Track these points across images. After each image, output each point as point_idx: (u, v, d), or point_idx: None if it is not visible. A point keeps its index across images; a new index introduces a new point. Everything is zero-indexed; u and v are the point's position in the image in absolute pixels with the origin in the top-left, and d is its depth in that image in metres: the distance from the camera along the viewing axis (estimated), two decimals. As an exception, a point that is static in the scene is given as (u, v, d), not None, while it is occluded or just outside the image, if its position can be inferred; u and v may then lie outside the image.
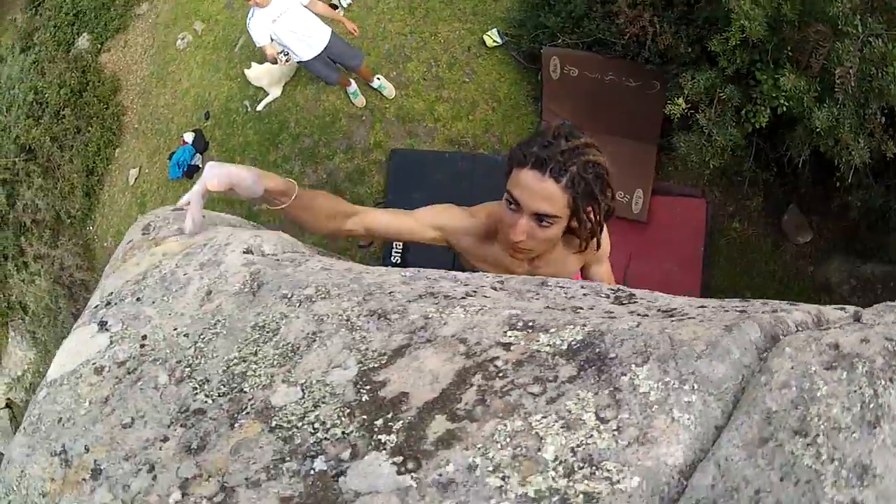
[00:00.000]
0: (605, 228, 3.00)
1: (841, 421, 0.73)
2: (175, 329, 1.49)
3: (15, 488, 1.30)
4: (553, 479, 0.75)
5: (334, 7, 9.59)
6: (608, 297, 1.30)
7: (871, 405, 0.75)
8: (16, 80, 12.62)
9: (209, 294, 1.55)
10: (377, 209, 2.77)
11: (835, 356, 0.85)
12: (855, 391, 0.78)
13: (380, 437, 0.92)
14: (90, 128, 11.67)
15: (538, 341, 1.02)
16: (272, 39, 7.72)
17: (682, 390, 0.84)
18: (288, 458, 1.00)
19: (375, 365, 1.09)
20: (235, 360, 1.34)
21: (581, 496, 0.72)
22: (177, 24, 11.77)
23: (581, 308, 1.18)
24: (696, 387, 0.85)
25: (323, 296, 1.37)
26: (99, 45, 12.61)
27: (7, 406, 13.47)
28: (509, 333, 1.07)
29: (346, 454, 0.93)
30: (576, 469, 0.76)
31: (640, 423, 0.80)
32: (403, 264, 8.01)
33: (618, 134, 7.93)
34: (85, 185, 11.64)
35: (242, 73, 10.00)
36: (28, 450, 1.37)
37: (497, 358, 1.00)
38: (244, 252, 1.65)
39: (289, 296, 1.42)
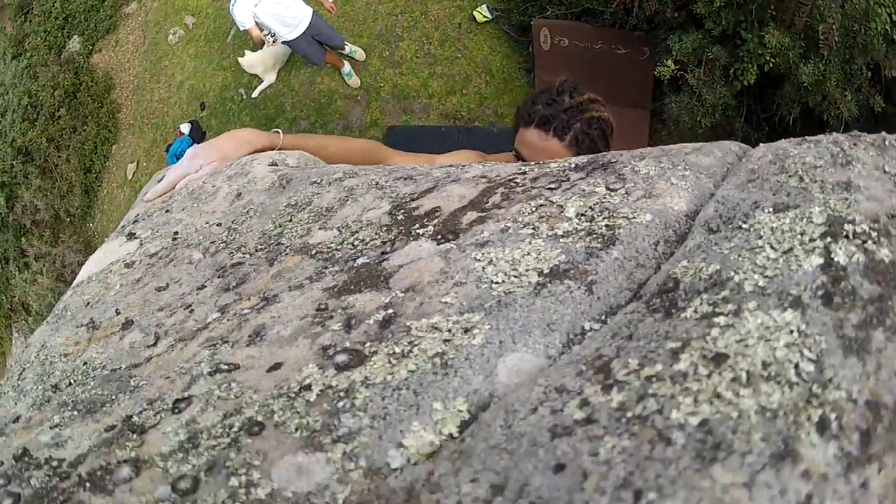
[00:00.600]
0: None
1: (815, 162, 0.86)
2: (207, 222, 1.58)
3: (33, 359, 1.32)
4: (577, 224, 0.88)
5: (323, -8, 9.80)
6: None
7: (841, 156, 0.87)
8: (9, 85, 12.76)
9: (239, 195, 1.63)
10: (402, 156, 2.76)
11: (802, 140, 0.99)
12: (824, 150, 0.91)
13: (418, 231, 1.04)
14: (86, 126, 11.78)
15: (550, 166, 1.16)
16: (256, 22, 7.89)
17: (676, 170, 0.97)
18: (328, 267, 1.10)
19: (406, 200, 1.22)
20: (271, 229, 1.40)
21: (604, 228, 0.85)
22: (167, 21, 11.87)
23: (586, 155, 1.32)
24: (688, 169, 0.98)
25: (351, 175, 1.47)
26: (90, 47, 12.72)
27: None
28: (524, 167, 1.21)
29: (387, 248, 1.05)
30: (595, 217, 0.88)
31: (644, 187, 0.93)
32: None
33: (610, 101, 7.89)
34: (83, 182, 11.75)
35: (236, 61, 10.07)
36: (50, 331, 1.41)
37: (515, 178, 1.13)
38: (270, 164, 1.74)
39: (318, 181, 1.50)
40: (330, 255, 1.14)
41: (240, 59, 9.64)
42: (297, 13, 8.09)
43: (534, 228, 0.90)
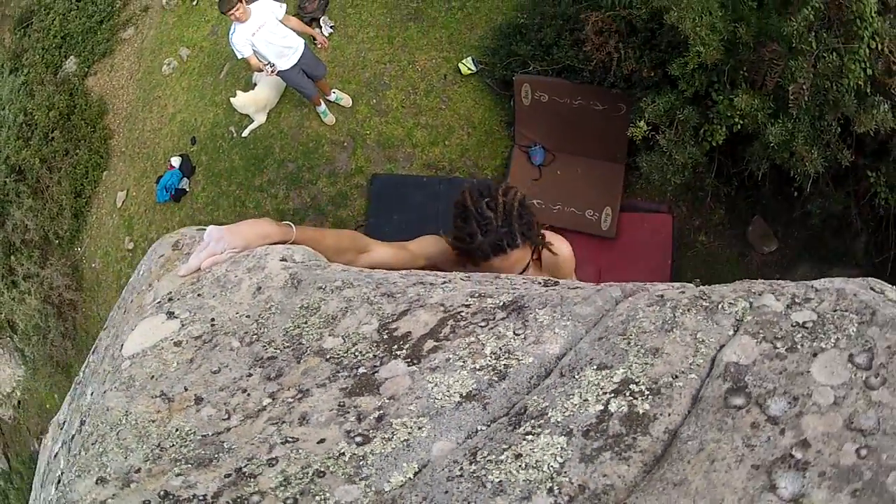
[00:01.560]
0: (563, 241, 3.42)
1: (647, 327, 1.46)
2: (237, 313, 2.10)
3: (122, 422, 1.81)
4: (489, 360, 1.48)
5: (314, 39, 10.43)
6: (539, 283, 2.01)
7: (669, 322, 1.47)
8: (6, 101, 13.09)
9: (259, 289, 2.16)
10: (381, 244, 3.06)
11: (657, 299, 1.60)
12: (660, 316, 1.50)
13: (397, 352, 1.64)
14: (78, 150, 12.22)
15: (486, 301, 1.77)
16: (254, 51, 8.60)
17: (562, 320, 1.57)
18: (340, 371, 1.70)
19: (389, 320, 1.82)
20: (291, 327, 1.97)
21: (502, 366, 1.45)
22: (162, 50, 12.35)
23: (517, 287, 1.91)
24: (569, 319, 1.59)
25: (348, 286, 2.06)
26: (86, 69, 13.15)
27: None
28: (469, 300, 1.82)
29: (377, 363, 1.66)
30: (500, 356, 1.47)
31: (537, 335, 1.53)
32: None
33: (587, 155, 8.75)
34: (73, 206, 12.14)
35: (228, 100, 10.55)
36: (126, 399, 1.89)
37: (462, 311, 1.74)
38: (281, 260, 2.31)
39: (323, 287, 2.07)
40: (339, 360, 1.73)
41: (232, 100, 10.14)
42: (292, 44, 8.83)
43: (463, 362, 1.51)
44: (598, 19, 7.99)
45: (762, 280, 1.68)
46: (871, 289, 1.59)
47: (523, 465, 1.23)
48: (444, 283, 1.98)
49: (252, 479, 1.43)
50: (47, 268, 12.11)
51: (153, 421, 1.79)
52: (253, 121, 10.58)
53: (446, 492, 1.24)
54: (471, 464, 1.28)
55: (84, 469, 1.74)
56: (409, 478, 1.33)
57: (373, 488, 1.33)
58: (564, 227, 8.36)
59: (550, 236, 3.40)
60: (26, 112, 12.72)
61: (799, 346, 1.40)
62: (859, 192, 7.01)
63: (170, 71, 12.03)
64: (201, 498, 1.42)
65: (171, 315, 2.17)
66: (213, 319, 2.11)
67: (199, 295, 2.21)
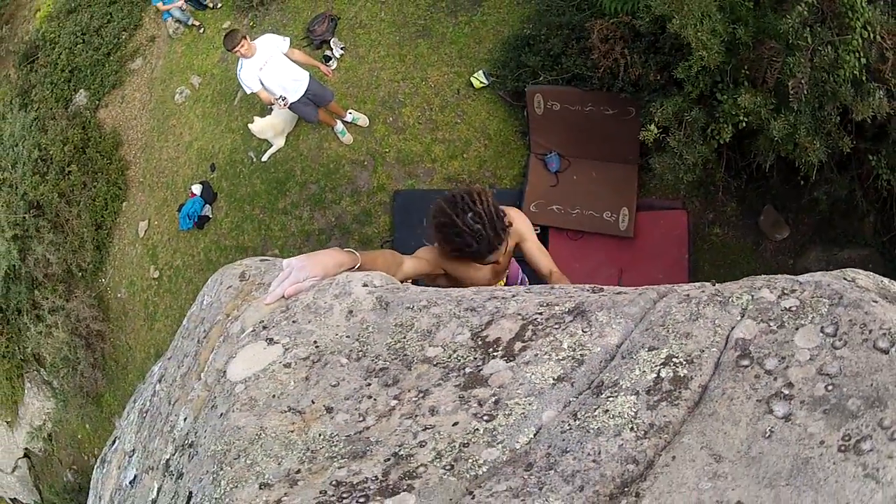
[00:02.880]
0: (510, 210, 4.15)
1: (679, 318, 2.05)
2: (337, 334, 2.52)
3: (261, 436, 2.18)
4: (567, 353, 2.09)
5: (327, 59, 10.95)
6: (589, 290, 2.57)
7: (694, 313, 2.05)
8: (18, 137, 13.51)
9: (351, 312, 2.60)
10: (407, 259, 3.69)
11: (685, 297, 2.21)
12: (686, 310, 2.10)
13: (493, 353, 2.21)
14: (96, 183, 12.69)
15: (554, 309, 2.36)
16: (262, 85, 9.08)
17: (616, 318, 2.15)
18: (450, 373, 2.24)
19: (478, 330, 2.38)
20: (392, 343, 2.41)
21: (579, 355, 2.05)
22: (172, 79, 12.85)
23: (573, 296, 2.48)
24: (621, 317, 2.18)
25: (433, 304, 2.55)
26: (97, 101, 13.65)
27: (25, 455, 14.37)
28: (541, 308, 2.40)
29: (479, 363, 2.21)
30: (576, 348, 2.02)
31: (599, 331, 2.12)
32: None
33: (601, 159, 9.23)
34: (95, 238, 12.65)
35: (244, 125, 11.02)
36: (255, 417, 2.26)
37: (536, 317, 2.33)
38: (363, 285, 2.74)
39: (411, 307, 2.53)
40: (446, 364, 2.24)
41: (250, 126, 10.59)
42: (298, 76, 9.34)
43: (549, 355, 2.07)
44: (602, 27, 8.39)
45: (763, 276, 2.26)
46: (844, 278, 2.16)
47: (611, 416, 1.80)
48: (514, 296, 2.46)
49: (411, 458, 1.90)
50: (73, 300, 12.52)
51: (292, 431, 2.19)
52: (272, 145, 11.02)
53: (563, 440, 1.83)
54: (575, 420, 1.84)
55: (239, 480, 2.07)
56: (532, 437, 1.85)
57: (508, 447, 1.85)
58: (584, 230, 8.96)
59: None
60: (40, 147, 13.11)
61: (786, 324, 1.98)
62: (863, 175, 7.31)
63: (182, 99, 12.50)
64: (373, 479, 1.88)
65: (270, 341, 2.54)
66: (315, 342, 2.51)
67: (293, 322, 2.60)
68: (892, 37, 6.29)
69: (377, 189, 10.28)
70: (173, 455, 2.51)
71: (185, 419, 2.57)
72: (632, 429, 1.80)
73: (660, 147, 7.83)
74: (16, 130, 13.66)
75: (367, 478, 1.93)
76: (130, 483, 2.76)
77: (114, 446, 3.22)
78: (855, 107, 6.30)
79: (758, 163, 7.54)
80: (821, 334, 1.96)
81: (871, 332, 1.93)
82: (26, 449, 14.37)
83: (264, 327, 2.62)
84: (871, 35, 6.16)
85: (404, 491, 1.85)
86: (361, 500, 1.86)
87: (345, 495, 1.89)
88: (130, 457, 2.94)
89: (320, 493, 1.93)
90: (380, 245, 9.79)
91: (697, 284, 2.34)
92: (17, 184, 13.13)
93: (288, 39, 9.32)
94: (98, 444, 12.65)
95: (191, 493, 2.21)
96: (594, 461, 1.75)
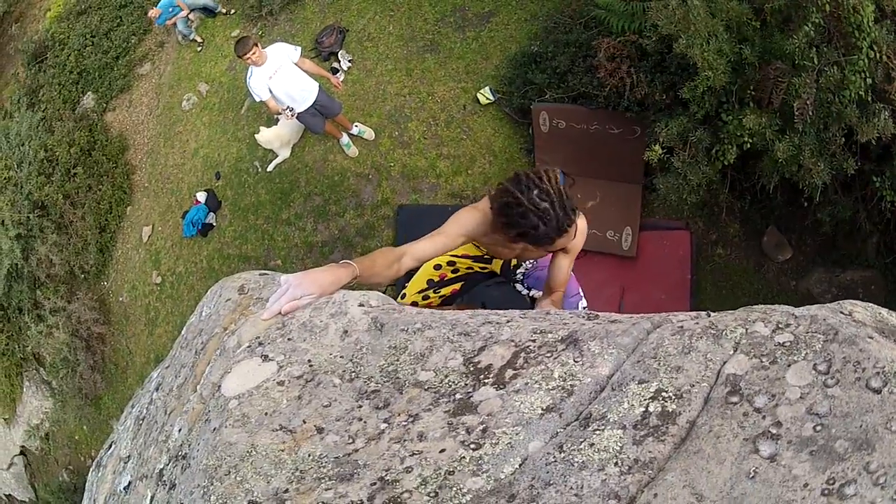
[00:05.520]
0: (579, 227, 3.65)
1: (671, 351, 2.07)
2: (331, 354, 2.55)
3: (252, 454, 2.22)
4: (557, 382, 2.09)
5: (335, 71, 10.98)
6: (584, 317, 2.60)
7: (686, 346, 2.07)
8: (25, 137, 13.57)
9: (346, 332, 2.63)
10: (417, 241, 3.48)
11: (678, 329, 2.21)
12: (679, 343, 2.12)
13: (484, 381, 2.23)
14: (101, 186, 12.77)
15: (547, 336, 2.37)
16: (271, 94, 9.08)
17: (608, 349, 2.17)
18: (440, 398, 2.26)
19: (471, 356, 2.39)
20: (385, 365, 2.44)
21: (569, 385, 2.06)
22: (180, 86, 12.92)
23: (568, 323, 2.50)
24: (614, 347, 2.18)
25: (428, 328, 2.58)
26: (104, 105, 13.75)
27: (22, 453, 14.46)
28: (534, 335, 2.41)
29: (470, 389, 2.23)
30: (566, 378, 2.06)
31: (591, 361, 2.14)
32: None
33: (605, 178, 9.13)
34: (98, 241, 12.73)
35: (251, 134, 11.08)
36: (247, 434, 2.30)
37: (529, 345, 2.34)
38: (359, 305, 2.78)
39: (406, 329, 2.56)
40: (437, 389, 2.27)
41: (256, 136, 10.64)
42: (307, 87, 9.35)
43: (539, 384, 2.09)
44: (609, 45, 8.46)
45: (759, 308, 2.28)
46: (841, 312, 2.19)
47: (596, 449, 1.82)
48: (509, 321, 2.50)
49: (397, 483, 1.94)
50: (74, 302, 12.63)
51: (282, 450, 2.24)
52: (277, 156, 11.07)
53: (547, 472, 1.83)
54: (560, 452, 1.86)
55: (228, 496, 2.14)
56: (517, 467, 1.88)
57: (493, 477, 1.87)
58: (587, 249, 8.82)
59: None
60: (47, 148, 13.20)
61: (779, 360, 2.00)
62: (867, 196, 7.28)
63: (190, 106, 12.57)
64: (358, 502, 1.95)
65: (265, 358, 2.58)
66: (309, 361, 2.55)
67: (289, 339, 2.64)
68: None
69: (381, 203, 10.32)
70: (167, 465, 2.54)
71: (179, 430, 2.61)
72: (616, 464, 1.81)
73: (664, 167, 7.84)
74: (22, 130, 13.73)
75: (352, 501, 1.97)
76: (125, 489, 2.79)
77: (110, 451, 3.27)
78: (860, 128, 6.29)
79: (762, 184, 7.56)
80: (813, 371, 1.97)
81: (864, 370, 1.93)
82: (23, 447, 14.47)
83: (260, 343, 2.65)
84: (878, 55, 6.15)
85: None
86: None
87: None
88: (126, 463, 2.98)
89: None
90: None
91: (693, 314, 2.36)
92: (22, 183, 13.21)
93: (299, 49, 9.33)
94: (95, 446, 12.72)
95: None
96: (576, 495, 1.77)
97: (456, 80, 10.56)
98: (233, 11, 13.28)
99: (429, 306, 4.59)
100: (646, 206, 9.26)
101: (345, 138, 10.50)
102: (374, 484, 2.00)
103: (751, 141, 6.88)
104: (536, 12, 10.54)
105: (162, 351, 11.30)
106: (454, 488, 1.90)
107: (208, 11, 13.38)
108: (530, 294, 4.67)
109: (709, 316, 2.30)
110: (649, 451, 1.85)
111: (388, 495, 1.93)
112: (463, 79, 10.53)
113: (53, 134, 13.40)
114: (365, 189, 10.45)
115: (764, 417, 1.89)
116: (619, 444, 1.86)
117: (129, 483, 2.78)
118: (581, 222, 3.68)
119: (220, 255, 11.42)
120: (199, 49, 13.18)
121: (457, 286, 4.74)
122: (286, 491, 2.09)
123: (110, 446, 3.31)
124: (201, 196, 11.74)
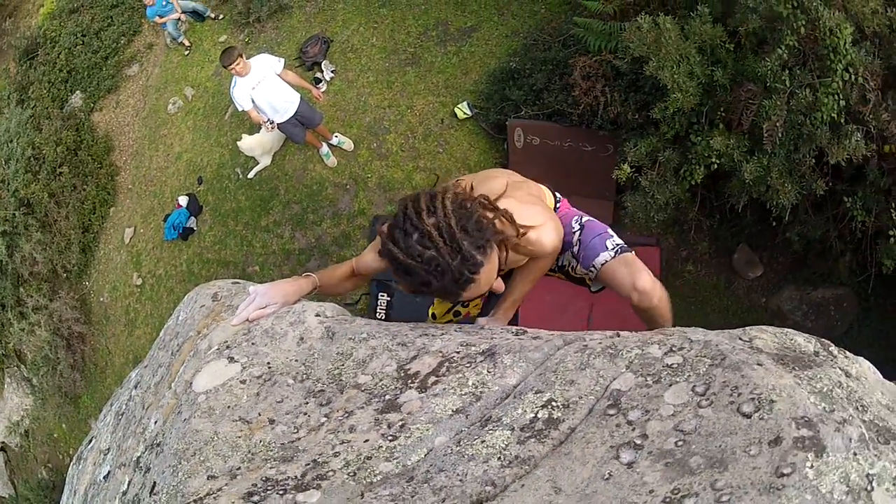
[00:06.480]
0: (543, 227, 3.09)
1: (569, 366, 2.43)
2: (287, 358, 2.94)
3: (214, 439, 2.61)
4: (471, 389, 2.46)
5: (318, 81, 11.38)
6: (512, 332, 2.94)
7: (584, 362, 2.43)
8: (13, 133, 13.90)
9: (302, 339, 3.03)
10: (363, 254, 3.46)
11: (582, 348, 2.59)
12: (578, 359, 2.48)
13: (411, 385, 2.57)
14: (86, 186, 13.10)
15: (471, 349, 2.73)
16: (254, 104, 9.43)
17: (518, 363, 2.53)
18: (373, 399, 2.61)
19: (404, 363, 2.76)
20: (332, 368, 2.85)
21: (479, 392, 2.42)
22: (167, 89, 13.26)
23: (495, 338, 2.85)
24: (524, 361, 2.55)
25: (372, 338, 2.96)
26: (91, 104, 14.10)
27: (2, 449, 14.78)
28: (459, 347, 2.77)
29: (398, 391, 2.59)
30: (478, 385, 2.42)
31: (502, 372, 2.49)
32: (386, 317, 9.59)
33: (577, 194, 8.87)
34: (81, 241, 13.04)
35: (233, 141, 11.41)
36: (212, 423, 2.69)
37: (454, 356, 2.71)
38: (316, 315, 3.19)
39: (353, 338, 2.97)
40: (371, 391, 2.66)
41: (239, 143, 10.99)
42: (289, 98, 9.69)
43: (454, 390, 2.46)
44: (585, 64, 8.68)
45: (660, 331, 2.60)
46: (740, 338, 2.43)
47: (486, 445, 2.18)
48: (443, 334, 2.90)
49: (325, 464, 2.31)
50: (56, 300, 12.95)
51: (239, 437, 2.62)
52: (258, 163, 11.41)
53: (443, 461, 2.19)
54: (457, 446, 2.22)
55: (192, 473, 2.51)
56: (423, 456, 2.23)
57: (401, 463, 2.24)
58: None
59: (539, 218, 3.15)
60: (34, 146, 13.50)
61: (662, 380, 2.28)
62: (838, 216, 7.36)
63: (175, 110, 12.92)
64: (293, 478, 2.30)
65: (231, 360, 2.96)
66: (269, 363, 2.94)
67: (252, 343, 3.03)
68: (875, 78, 6.38)
69: (358, 213, 10.60)
70: (144, 453, 2.89)
71: (155, 422, 2.97)
72: (499, 458, 2.17)
73: (633, 185, 7.99)
74: (11, 126, 14.04)
75: (289, 477, 2.36)
76: (104, 478, 3.12)
77: (90, 445, 3.62)
78: (830, 149, 6.36)
79: (731, 203, 7.66)
80: (690, 392, 2.20)
81: (739, 395, 2.09)
82: (3, 443, 14.77)
83: (227, 347, 3.04)
84: (853, 77, 6.24)
85: (313, 488, 2.27)
86: (280, 492, 2.28)
87: (269, 488, 2.32)
88: (105, 454, 3.33)
89: (252, 485, 2.36)
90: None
91: (610, 333, 2.67)
92: (9, 180, 13.50)
93: (283, 60, 9.66)
94: (74, 445, 12.98)
95: (154, 482, 2.62)
96: (460, 480, 2.13)
97: (435, 94, 10.87)
98: (221, 17, 13.64)
99: (466, 316, 4.11)
100: (617, 222, 9.41)
101: (324, 148, 10.83)
102: (308, 464, 2.38)
103: (718, 161, 7.02)
104: (518, 28, 10.85)
105: (140, 352, 11.56)
106: (369, 470, 2.27)
107: (197, 15, 13.72)
108: (584, 269, 3.60)
109: (618, 335, 2.64)
110: (529, 451, 2.18)
111: (317, 472, 2.31)
112: (442, 93, 10.84)
113: (41, 132, 13.72)
114: (342, 199, 10.76)
115: (633, 429, 2.15)
116: (505, 442, 2.21)
117: (109, 472, 3.11)
118: (546, 239, 3.15)
119: (199, 260, 11.72)
120: (186, 53, 13.54)
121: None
122: (238, 468, 2.47)
123: (90, 441, 3.65)
124: (183, 200, 12.06)
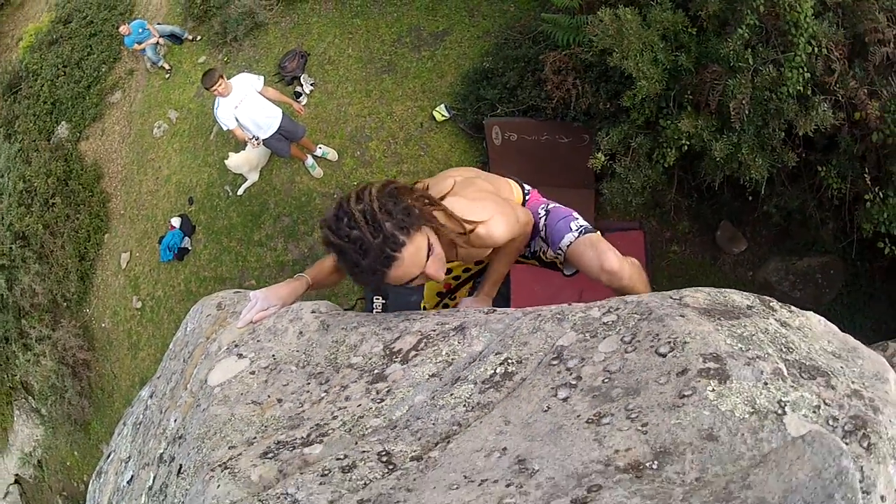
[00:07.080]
0: (490, 221, 3.35)
1: (525, 331, 2.96)
2: (290, 349, 3.37)
3: (231, 419, 3.03)
4: (445, 357, 3.00)
5: (298, 95, 11.78)
6: (484, 312, 3.37)
7: (537, 327, 3.00)
8: (4, 168, 14.30)
9: (301, 333, 3.48)
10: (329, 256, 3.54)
11: (536, 317, 3.13)
12: (533, 324, 3.03)
13: (395, 360, 3.09)
14: (79, 215, 13.43)
15: (445, 327, 3.25)
16: (238, 122, 9.85)
17: (483, 333, 3.04)
18: (364, 374, 3.10)
19: (389, 343, 3.25)
20: (328, 354, 3.28)
21: (452, 358, 2.96)
22: (151, 113, 13.63)
23: (468, 317, 3.34)
24: (488, 332, 3.05)
25: (361, 325, 3.43)
26: (78, 134, 14.45)
27: (16, 482, 15.04)
28: (436, 326, 3.28)
29: (384, 366, 3.08)
30: (450, 354, 2.94)
31: (469, 342, 3.00)
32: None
33: (558, 185, 9.39)
34: (78, 269, 13.38)
35: (220, 159, 11.74)
36: (228, 408, 3.11)
37: (430, 334, 3.23)
38: (311, 311, 3.64)
39: (345, 328, 3.42)
40: (362, 368, 3.16)
41: (226, 161, 11.36)
42: (271, 114, 10.11)
43: (430, 360, 2.96)
44: (555, 59, 9.05)
45: (605, 300, 3.13)
46: (671, 297, 2.82)
47: (453, 397, 2.62)
48: (422, 318, 3.40)
49: (326, 425, 2.77)
50: (59, 329, 13.26)
51: (253, 415, 3.06)
52: (247, 179, 11.77)
53: (419, 411, 2.68)
54: (433, 400, 2.72)
55: (215, 447, 2.92)
56: (405, 412, 2.71)
57: (388, 418, 2.69)
58: (548, 252, 9.55)
59: (496, 211, 3.44)
60: (25, 179, 13.86)
61: (598, 334, 2.72)
62: (815, 186, 7.56)
63: (160, 133, 13.31)
64: (300, 438, 2.74)
65: (240, 356, 3.42)
66: (273, 355, 3.40)
67: (258, 341, 3.50)
68: (840, 48, 6.59)
69: (346, 221, 10.92)
70: (166, 449, 3.26)
71: (175, 420, 3.36)
72: (464, 406, 2.64)
73: (609, 173, 8.32)
74: (1, 161, 14.45)
75: (296, 438, 2.82)
76: (128, 482, 3.50)
77: (109, 458, 3.98)
78: (798, 122, 6.57)
79: (707, 182, 7.94)
80: (619, 342, 2.61)
81: (659, 340, 2.43)
82: (17, 475, 15.04)
83: (236, 345, 3.50)
84: (817, 49, 6.45)
85: (316, 443, 2.74)
86: (290, 449, 2.75)
87: (280, 447, 2.78)
88: (126, 462, 3.71)
89: (266, 447, 2.81)
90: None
91: (566, 305, 3.08)
92: (3, 214, 13.85)
93: (262, 78, 10.06)
94: (87, 471, 13.27)
95: (181, 465, 3.01)
96: (433, 423, 2.62)
97: (413, 99, 11.21)
98: (199, 38, 14.02)
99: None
100: (599, 209, 9.76)
101: (310, 160, 11.20)
102: (312, 428, 2.83)
103: (688, 143, 7.28)
104: (489, 28, 11.20)
105: (146, 374, 11.94)
106: (362, 425, 2.74)
107: (175, 38, 14.11)
108: (553, 253, 4.00)
109: (570, 305, 3.14)
110: (488, 398, 2.62)
111: (319, 432, 2.78)
112: (419, 98, 11.21)
113: (31, 164, 14.10)
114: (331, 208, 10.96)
115: (571, 374, 2.57)
116: (469, 393, 2.67)
117: (132, 476, 3.49)
118: (485, 228, 3.35)
119: (196, 278, 12.06)
120: (167, 76, 13.94)
121: (469, 286, 4.57)
122: (254, 438, 2.91)
123: (109, 455, 4.01)
124: (176, 221, 12.39)
